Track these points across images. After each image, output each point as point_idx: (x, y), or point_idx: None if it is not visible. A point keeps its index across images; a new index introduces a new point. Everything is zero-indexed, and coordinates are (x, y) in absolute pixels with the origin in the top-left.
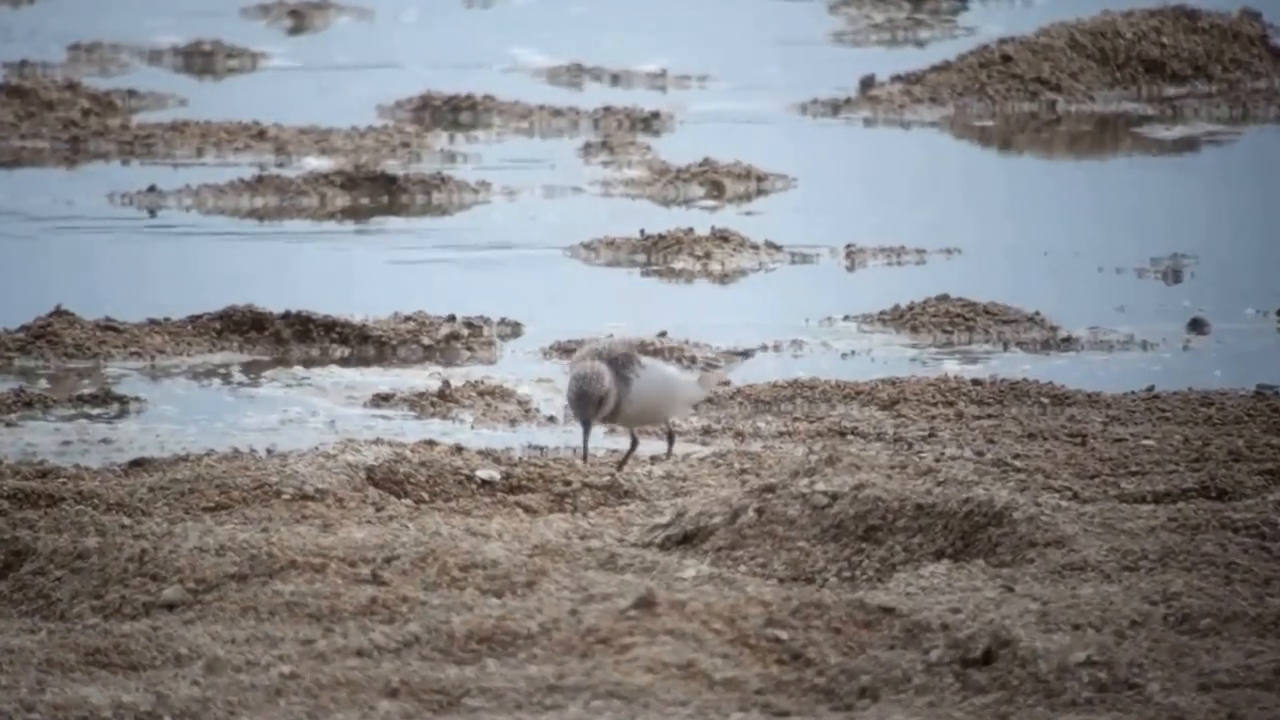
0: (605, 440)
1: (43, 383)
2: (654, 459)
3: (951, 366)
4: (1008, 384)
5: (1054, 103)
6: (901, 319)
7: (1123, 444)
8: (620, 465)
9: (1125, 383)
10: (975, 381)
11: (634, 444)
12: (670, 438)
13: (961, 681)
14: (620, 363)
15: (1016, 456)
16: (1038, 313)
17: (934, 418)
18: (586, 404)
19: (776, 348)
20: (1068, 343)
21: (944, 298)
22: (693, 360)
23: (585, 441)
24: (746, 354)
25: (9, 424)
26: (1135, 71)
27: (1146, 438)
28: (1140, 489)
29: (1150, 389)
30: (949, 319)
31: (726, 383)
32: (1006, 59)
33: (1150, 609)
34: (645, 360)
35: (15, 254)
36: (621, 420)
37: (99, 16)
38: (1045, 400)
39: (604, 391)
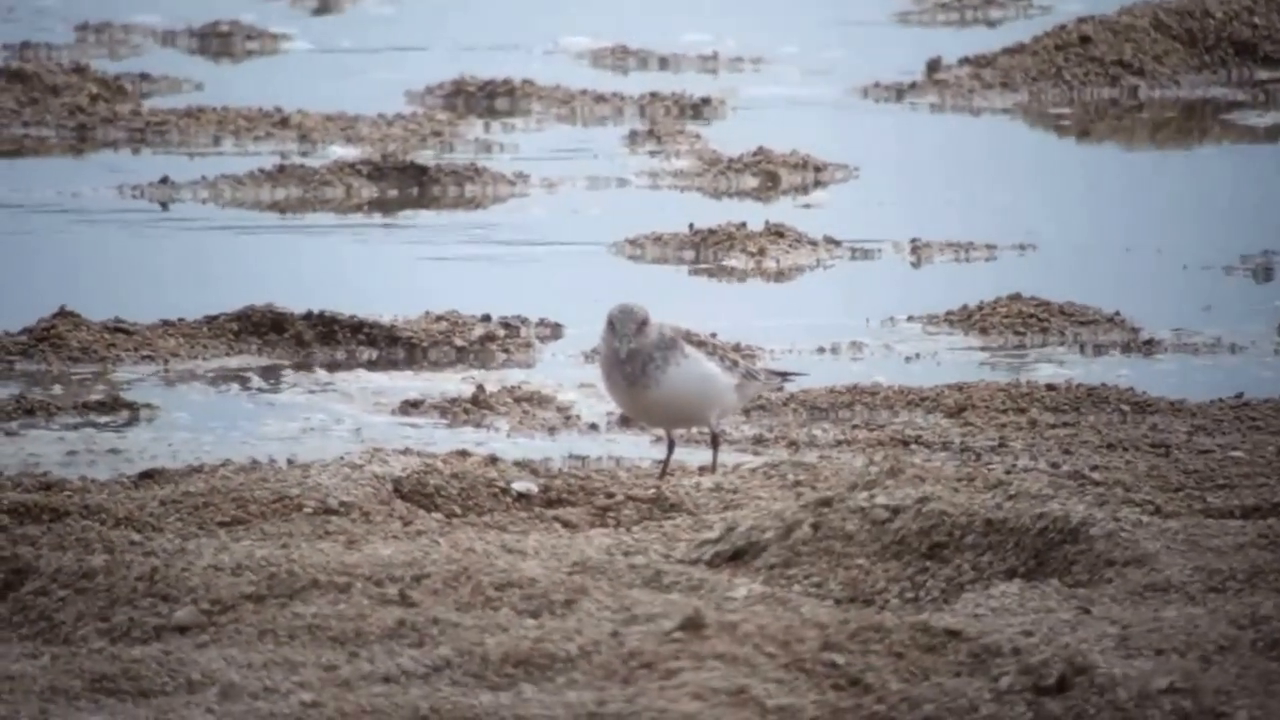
0: (649, 449)
1: (56, 388)
2: (701, 469)
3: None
4: (1084, 390)
5: (1136, 88)
6: (970, 320)
7: (1209, 455)
8: (662, 473)
9: (1212, 389)
10: (1049, 387)
11: (671, 447)
12: (715, 445)
13: (1034, 711)
14: (665, 344)
15: (1094, 468)
16: (1117, 313)
17: (1004, 426)
18: (629, 317)
19: (835, 350)
20: (1150, 345)
21: (1016, 297)
22: (734, 364)
23: (625, 347)
24: (785, 376)
25: (10, 433)
26: (1225, 54)
27: (1235, 448)
28: (1228, 503)
29: (1239, 396)
30: (1021, 320)
31: (761, 401)
32: (1085, 40)
33: (1238, 633)
34: (690, 350)
35: (17, 250)
36: (649, 409)
37: None
38: (1125, 408)
39: (646, 315)
